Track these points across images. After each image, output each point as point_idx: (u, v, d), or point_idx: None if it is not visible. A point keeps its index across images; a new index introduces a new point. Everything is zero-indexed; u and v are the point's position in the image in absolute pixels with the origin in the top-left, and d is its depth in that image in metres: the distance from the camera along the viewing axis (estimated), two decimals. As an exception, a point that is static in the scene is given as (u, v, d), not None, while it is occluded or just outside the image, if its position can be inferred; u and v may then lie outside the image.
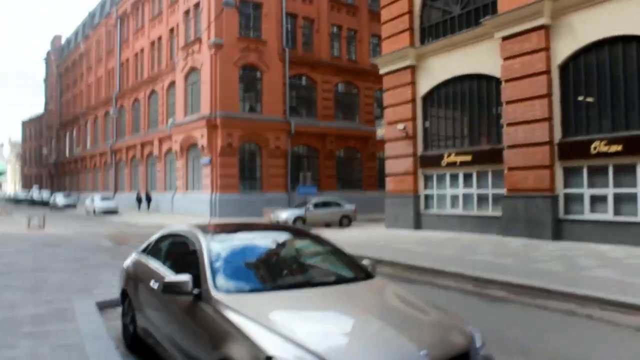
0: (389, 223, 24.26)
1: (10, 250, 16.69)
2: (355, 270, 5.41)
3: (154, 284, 5.62)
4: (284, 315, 4.11)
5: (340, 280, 5.24)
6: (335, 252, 5.78)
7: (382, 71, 24.86)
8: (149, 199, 39.90)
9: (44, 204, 56.34)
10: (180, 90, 36.95)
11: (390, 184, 24.53)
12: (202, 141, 33.11)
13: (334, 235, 19.25)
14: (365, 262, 5.66)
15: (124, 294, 6.87)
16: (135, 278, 6.48)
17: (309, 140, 36.86)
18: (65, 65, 72.11)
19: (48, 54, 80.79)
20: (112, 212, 39.74)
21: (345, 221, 26.94)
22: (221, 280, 4.67)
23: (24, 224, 27.08)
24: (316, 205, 26.45)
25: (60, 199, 51.77)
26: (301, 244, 6.07)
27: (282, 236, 6.17)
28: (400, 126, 23.32)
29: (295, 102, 36.72)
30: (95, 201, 41.15)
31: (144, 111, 44.97)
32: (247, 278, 5.01)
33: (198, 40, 34.38)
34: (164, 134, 39.68)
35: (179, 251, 6.03)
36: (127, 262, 7.13)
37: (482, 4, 20.45)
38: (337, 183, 38.04)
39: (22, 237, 21.53)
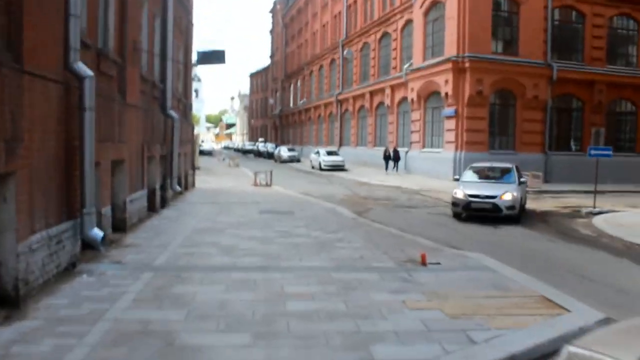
0: None
1: (233, 219, 13.75)
2: None
3: None
4: None
5: None
6: None
7: None
8: (397, 157, 33.79)
9: (269, 155, 56.48)
10: (418, 30, 31.76)
11: None
12: (446, 88, 27.86)
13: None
14: None
15: None
16: None
17: (573, 89, 29.60)
18: (290, 15, 71.41)
19: (274, 5, 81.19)
20: (339, 168, 36.67)
21: None
22: None
23: (250, 179, 26.25)
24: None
25: (284, 152, 51.12)
26: None
27: None
28: None
29: (557, 41, 29.48)
30: (321, 155, 38.71)
31: (374, 57, 40.69)
32: None
33: (442, -32, 28.81)
34: (397, 80, 35.00)
35: None
36: None
37: None
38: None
39: (248, 197, 19.92)
